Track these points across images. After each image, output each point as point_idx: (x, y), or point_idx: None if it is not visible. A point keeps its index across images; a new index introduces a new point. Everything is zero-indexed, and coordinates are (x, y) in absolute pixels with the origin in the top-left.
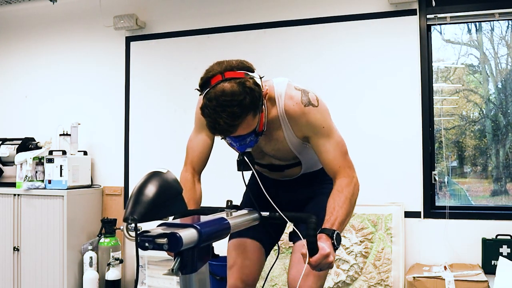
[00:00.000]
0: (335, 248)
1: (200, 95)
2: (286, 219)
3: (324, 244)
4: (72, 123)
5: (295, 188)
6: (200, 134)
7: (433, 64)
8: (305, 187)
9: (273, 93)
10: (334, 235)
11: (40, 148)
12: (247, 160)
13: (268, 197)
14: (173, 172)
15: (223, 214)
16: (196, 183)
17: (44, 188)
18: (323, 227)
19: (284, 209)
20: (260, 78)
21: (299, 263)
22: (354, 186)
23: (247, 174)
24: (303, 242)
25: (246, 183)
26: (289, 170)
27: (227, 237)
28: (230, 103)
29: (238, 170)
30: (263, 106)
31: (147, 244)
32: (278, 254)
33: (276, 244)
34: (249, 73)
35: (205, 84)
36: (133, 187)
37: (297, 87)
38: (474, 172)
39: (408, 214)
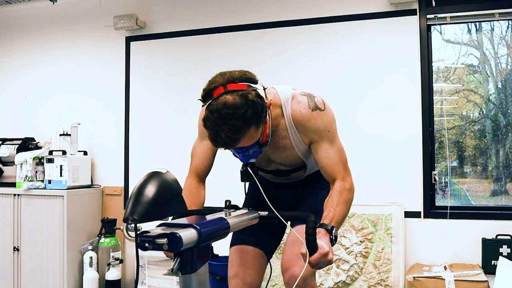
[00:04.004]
0: (332, 244)
1: (202, 105)
2: (283, 220)
3: (323, 242)
4: (72, 123)
5: (297, 189)
6: (204, 141)
7: (433, 64)
8: (306, 187)
9: (279, 101)
10: (333, 231)
11: (40, 148)
12: (251, 172)
13: (267, 200)
14: (173, 172)
15: (222, 214)
16: (200, 188)
17: (44, 188)
18: (321, 222)
19: (285, 211)
20: (264, 89)
21: (293, 246)
22: (351, 192)
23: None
24: (297, 228)
25: (247, 188)
26: (295, 173)
27: (227, 239)
28: (232, 116)
29: (242, 181)
30: (267, 117)
31: (147, 244)
32: (271, 275)
33: (277, 249)
34: (252, 84)
35: (207, 95)
36: (133, 187)
37: (302, 93)
38: (474, 172)
39: (408, 214)
